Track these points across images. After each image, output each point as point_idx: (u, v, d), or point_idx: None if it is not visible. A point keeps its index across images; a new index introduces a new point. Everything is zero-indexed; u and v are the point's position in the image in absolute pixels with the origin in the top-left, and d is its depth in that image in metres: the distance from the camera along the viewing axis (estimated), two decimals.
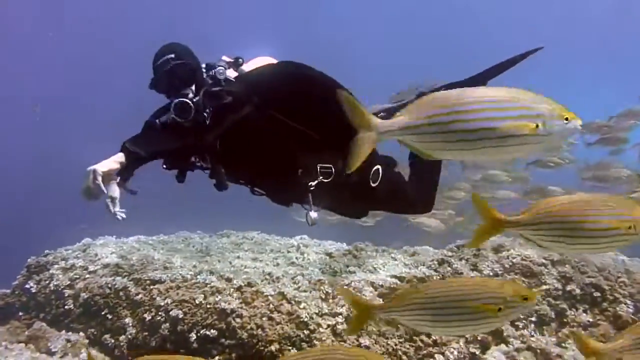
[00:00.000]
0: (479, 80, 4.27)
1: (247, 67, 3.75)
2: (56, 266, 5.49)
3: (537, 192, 7.59)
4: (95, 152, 3.56)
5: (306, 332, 4.69)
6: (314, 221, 3.82)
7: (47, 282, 5.41)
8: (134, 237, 6.72)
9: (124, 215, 3.24)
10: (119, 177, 3.24)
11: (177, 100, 3.40)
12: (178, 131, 3.45)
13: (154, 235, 7.09)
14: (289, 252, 6.69)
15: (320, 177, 3.70)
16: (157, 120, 3.50)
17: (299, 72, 3.70)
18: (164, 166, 3.65)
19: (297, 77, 3.69)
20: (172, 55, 3.50)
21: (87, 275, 5.34)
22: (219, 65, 3.59)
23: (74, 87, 25.77)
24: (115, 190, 3.26)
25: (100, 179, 3.04)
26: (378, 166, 3.86)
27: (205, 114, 3.43)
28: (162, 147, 3.47)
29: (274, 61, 3.89)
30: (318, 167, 3.71)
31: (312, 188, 3.71)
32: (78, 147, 11.11)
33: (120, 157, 3.14)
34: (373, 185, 3.87)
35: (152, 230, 7.30)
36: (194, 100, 3.42)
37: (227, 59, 3.67)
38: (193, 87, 3.50)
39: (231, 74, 3.63)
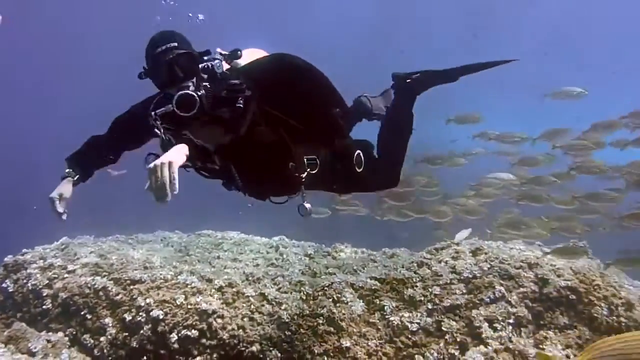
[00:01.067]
0: (454, 73, 4.65)
1: (241, 59, 3.74)
2: (34, 265, 5.42)
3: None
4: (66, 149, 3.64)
5: (287, 333, 4.71)
6: (309, 211, 3.87)
7: (24, 281, 5.34)
8: (112, 236, 6.67)
9: (64, 217, 3.46)
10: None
11: (182, 92, 3.35)
12: (225, 123, 3.38)
13: (133, 235, 7.05)
14: (268, 252, 6.72)
15: (308, 169, 3.74)
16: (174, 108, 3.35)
17: (294, 64, 3.76)
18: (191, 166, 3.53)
19: (293, 70, 3.75)
20: (175, 44, 3.44)
21: (66, 275, 5.29)
22: (215, 58, 3.56)
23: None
24: (67, 191, 3.52)
25: (57, 203, 3.40)
26: (358, 151, 3.96)
27: (240, 106, 3.38)
28: (221, 139, 3.32)
29: (264, 53, 3.91)
30: (305, 159, 3.76)
31: (303, 180, 3.75)
32: (51, 145, 10.98)
33: (183, 148, 2.98)
34: (359, 170, 3.98)
35: (130, 229, 7.26)
36: (199, 93, 3.37)
37: (222, 52, 3.63)
38: (194, 80, 3.44)
39: (224, 66, 3.61)
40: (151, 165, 2.78)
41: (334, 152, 3.93)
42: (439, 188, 8.36)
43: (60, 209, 3.48)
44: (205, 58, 3.56)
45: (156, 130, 3.40)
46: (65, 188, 3.59)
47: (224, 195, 4.06)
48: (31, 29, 21.80)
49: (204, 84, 3.48)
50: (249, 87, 3.48)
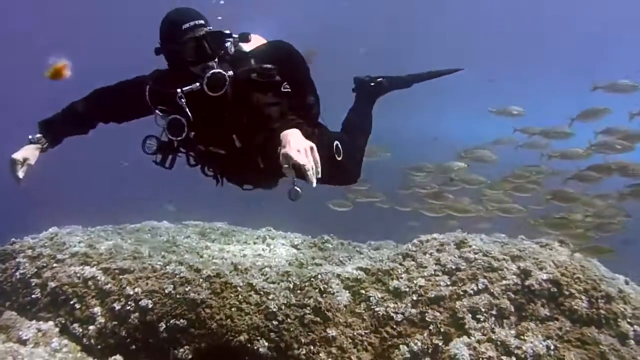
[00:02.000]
0: (410, 80, 5.14)
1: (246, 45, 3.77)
2: (22, 254, 5.45)
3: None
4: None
5: (275, 322, 4.78)
6: (299, 196, 3.91)
7: (13, 270, 5.36)
8: (100, 226, 6.70)
9: (22, 184, 3.38)
10: None
11: (215, 71, 3.36)
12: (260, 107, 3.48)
13: (121, 225, 7.08)
14: (255, 243, 6.79)
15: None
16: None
17: (295, 53, 3.86)
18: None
19: (294, 59, 3.85)
20: (202, 22, 3.42)
21: (55, 264, 5.31)
22: (228, 40, 3.56)
23: None
24: (32, 157, 3.47)
25: (18, 167, 3.36)
26: (336, 142, 4.00)
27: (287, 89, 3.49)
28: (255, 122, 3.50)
29: (263, 39, 3.95)
30: None
31: None
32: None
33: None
34: (339, 158, 4.02)
35: (119, 219, 7.28)
36: (229, 74, 3.39)
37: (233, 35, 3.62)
38: (216, 60, 3.45)
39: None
40: (299, 148, 2.84)
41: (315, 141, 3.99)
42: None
43: (20, 174, 3.40)
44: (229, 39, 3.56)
45: (183, 107, 3.43)
46: (31, 153, 3.51)
47: (211, 185, 4.11)
48: None
49: (225, 64, 3.48)
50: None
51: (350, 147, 4.26)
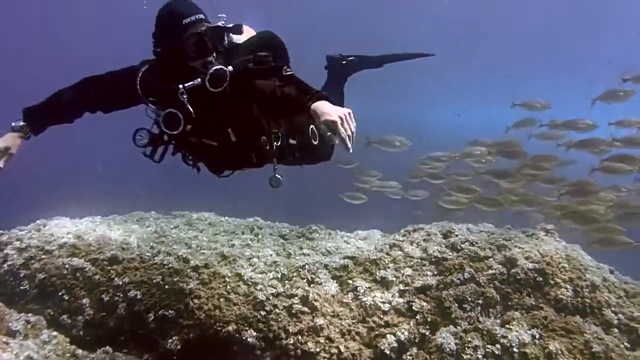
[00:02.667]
0: (382, 60, 5.33)
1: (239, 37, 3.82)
2: (10, 246, 5.42)
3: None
4: None
5: (263, 312, 4.81)
6: (280, 183, 3.98)
7: (1, 262, 5.31)
8: (88, 217, 6.68)
9: (3, 172, 3.36)
10: None
11: (217, 68, 3.41)
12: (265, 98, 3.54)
13: (109, 215, 7.06)
14: (243, 233, 6.79)
15: (275, 142, 3.85)
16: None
17: (282, 44, 3.95)
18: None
19: (281, 49, 3.94)
20: (202, 16, 3.45)
21: (43, 256, 5.30)
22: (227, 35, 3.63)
23: None
24: (14, 145, 3.45)
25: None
26: (312, 125, 4.11)
27: (290, 72, 3.50)
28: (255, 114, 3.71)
29: (252, 31, 3.98)
30: (272, 132, 3.91)
31: (274, 152, 3.88)
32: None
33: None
34: (315, 143, 4.19)
35: (106, 210, 7.26)
36: (230, 69, 3.44)
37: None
38: (214, 54, 3.50)
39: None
40: (340, 115, 2.91)
41: (291, 126, 4.03)
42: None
43: (1, 164, 3.38)
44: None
45: (184, 103, 3.48)
46: (13, 142, 3.48)
47: (197, 176, 4.14)
48: None
49: (221, 58, 3.55)
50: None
51: None
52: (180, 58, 3.47)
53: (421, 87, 26.61)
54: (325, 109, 3.00)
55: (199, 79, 3.43)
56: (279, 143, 3.96)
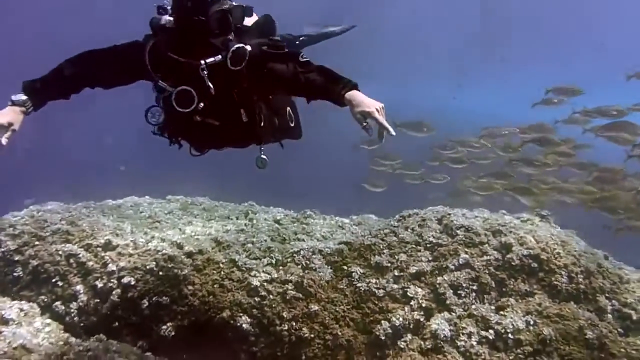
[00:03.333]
0: (320, 38, 5.70)
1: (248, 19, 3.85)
2: (4, 233, 5.39)
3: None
4: None
5: (257, 299, 4.80)
6: (266, 164, 4.03)
7: None
8: (81, 202, 6.65)
9: (4, 149, 3.19)
10: None
11: (239, 46, 3.44)
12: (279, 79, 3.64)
13: (103, 201, 7.03)
14: (237, 218, 6.78)
15: (260, 122, 3.87)
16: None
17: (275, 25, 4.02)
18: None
19: (275, 30, 4.02)
20: None
21: (37, 242, 5.27)
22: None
23: None
24: (17, 122, 3.30)
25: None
26: (288, 108, 4.28)
27: (307, 59, 3.55)
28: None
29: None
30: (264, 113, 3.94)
31: (261, 131, 3.92)
32: None
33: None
34: (292, 125, 4.32)
35: (99, 195, 7.23)
36: (249, 48, 3.47)
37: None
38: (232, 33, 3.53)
39: None
40: (377, 107, 3.17)
41: (270, 107, 4.05)
42: None
43: (3, 140, 3.21)
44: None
45: (204, 78, 3.46)
46: (16, 117, 3.32)
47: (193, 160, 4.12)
48: None
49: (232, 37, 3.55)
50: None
51: (294, 110, 4.48)
52: (202, 33, 3.43)
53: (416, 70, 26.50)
54: (362, 99, 3.21)
55: (220, 56, 3.42)
56: (262, 123, 3.97)
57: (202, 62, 3.41)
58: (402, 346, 4.59)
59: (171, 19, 3.47)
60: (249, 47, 3.47)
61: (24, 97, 3.39)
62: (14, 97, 3.37)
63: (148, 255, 5.19)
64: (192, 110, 3.56)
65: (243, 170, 7.14)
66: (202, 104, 3.56)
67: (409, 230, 5.67)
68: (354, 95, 3.24)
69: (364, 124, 3.16)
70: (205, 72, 3.43)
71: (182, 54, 3.47)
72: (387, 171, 9.64)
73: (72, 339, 4.23)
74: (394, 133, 3.13)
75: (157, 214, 6.59)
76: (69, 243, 5.27)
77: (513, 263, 5.06)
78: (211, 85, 3.46)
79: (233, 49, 3.40)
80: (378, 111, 3.14)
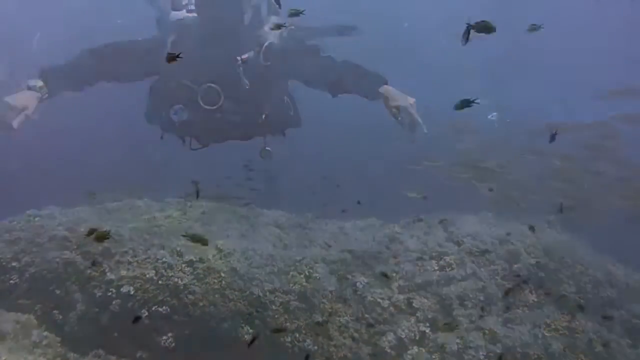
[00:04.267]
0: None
1: None
2: (0, 239, 5.29)
3: None
4: None
5: (259, 309, 4.71)
6: (270, 155, 4.01)
7: None
8: (79, 207, 6.52)
9: (13, 133, 3.07)
10: None
11: (271, 41, 3.50)
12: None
13: (100, 204, 6.90)
14: (239, 223, 6.66)
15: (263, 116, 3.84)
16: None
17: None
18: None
19: None
20: None
21: (34, 249, 5.16)
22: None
23: None
24: (31, 106, 3.20)
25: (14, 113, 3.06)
26: (285, 97, 4.28)
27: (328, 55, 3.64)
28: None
29: None
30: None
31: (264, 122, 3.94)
32: None
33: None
34: (291, 113, 4.36)
35: (97, 198, 7.11)
36: (278, 44, 3.54)
37: None
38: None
39: None
40: (410, 102, 3.18)
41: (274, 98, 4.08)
42: None
43: (15, 123, 3.09)
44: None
45: (240, 74, 3.47)
46: (32, 102, 3.22)
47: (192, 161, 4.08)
48: None
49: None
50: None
51: (292, 98, 4.46)
52: (234, 28, 3.44)
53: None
54: (395, 94, 3.25)
55: (252, 51, 3.46)
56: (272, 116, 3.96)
57: (238, 58, 3.40)
58: (407, 359, 4.51)
59: (189, 15, 3.45)
60: (277, 41, 3.53)
61: (40, 83, 3.33)
62: (30, 82, 3.30)
63: (147, 263, 5.07)
64: (216, 108, 3.55)
65: (243, 170, 7.06)
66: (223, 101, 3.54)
67: (415, 238, 5.58)
68: (387, 89, 3.27)
69: (399, 118, 3.16)
70: (241, 68, 3.40)
71: (209, 50, 3.42)
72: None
73: (70, 354, 4.13)
74: (426, 130, 3.14)
75: (156, 217, 6.46)
76: (67, 250, 5.15)
77: (520, 273, 4.97)
78: (247, 82, 3.44)
79: (266, 44, 3.43)
80: (413, 107, 3.16)
